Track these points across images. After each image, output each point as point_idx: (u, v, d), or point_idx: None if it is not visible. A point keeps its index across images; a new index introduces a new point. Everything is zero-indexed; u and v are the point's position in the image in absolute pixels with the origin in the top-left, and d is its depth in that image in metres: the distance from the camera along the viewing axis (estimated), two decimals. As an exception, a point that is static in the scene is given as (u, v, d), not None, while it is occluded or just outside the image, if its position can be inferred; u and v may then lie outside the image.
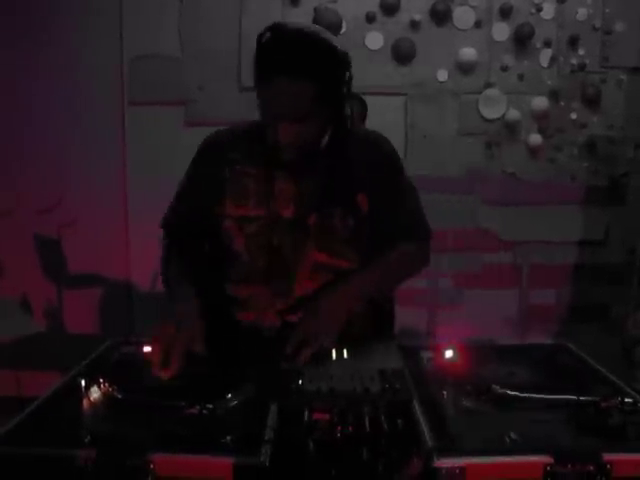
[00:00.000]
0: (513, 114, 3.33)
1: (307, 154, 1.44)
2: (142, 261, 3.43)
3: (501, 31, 3.29)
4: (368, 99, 3.00)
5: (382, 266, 1.56)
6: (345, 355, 1.33)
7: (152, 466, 0.96)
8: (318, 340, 1.35)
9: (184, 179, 1.65)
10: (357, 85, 3.27)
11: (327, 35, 1.40)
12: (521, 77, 3.32)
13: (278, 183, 1.50)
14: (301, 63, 1.32)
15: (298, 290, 1.54)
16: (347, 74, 1.42)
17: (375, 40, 3.28)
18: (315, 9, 3.23)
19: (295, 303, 1.53)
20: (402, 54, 3.28)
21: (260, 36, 1.40)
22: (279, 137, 1.38)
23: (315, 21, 3.23)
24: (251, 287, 1.55)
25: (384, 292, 1.66)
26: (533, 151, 3.39)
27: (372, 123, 2.80)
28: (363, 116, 2.91)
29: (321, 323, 1.41)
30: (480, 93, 3.32)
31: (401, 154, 1.66)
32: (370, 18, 3.25)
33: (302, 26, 1.40)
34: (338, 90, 1.40)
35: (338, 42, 1.41)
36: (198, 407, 1.08)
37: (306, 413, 1.09)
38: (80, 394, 1.16)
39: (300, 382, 1.18)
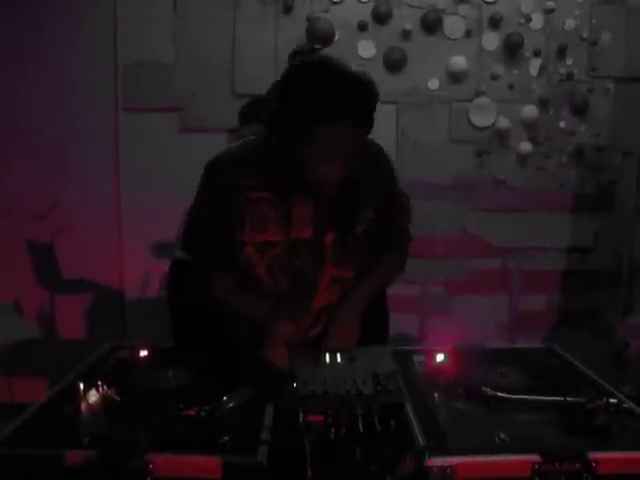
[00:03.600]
0: (503, 122, 3.37)
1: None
2: (135, 267, 3.44)
3: (491, 41, 3.34)
4: (360, 107, 3.03)
5: (377, 279, 1.65)
6: (339, 359, 1.35)
7: (151, 467, 0.98)
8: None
9: (198, 205, 1.63)
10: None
11: (365, 73, 1.41)
12: (511, 86, 3.36)
13: (297, 207, 1.51)
14: (364, 109, 1.34)
15: (317, 303, 1.59)
16: None
17: (367, 48, 3.31)
18: (308, 18, 3.26)
19: (314, 318, 1.59)
20: (393, 62, 3.32)
21: (310, 71, 1.37)
22: (328, 176, 1.39)
23: (308, 30, 3.27)
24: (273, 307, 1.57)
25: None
26: (523, 159, 3.44)
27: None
28: None
29: (346, 337, 1.50)
30: (470, 101, 3.36)
31: (392, 161, 1.70)
32: (362, 27, 3.29)
33: (345, 67, 1.39)
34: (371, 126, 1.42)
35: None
36: (196, 409, 1.10)
37: (301, 415, 1.11)
38: (79, 397, 1.17)
39: (295, 385, 1.20)
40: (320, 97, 1.32)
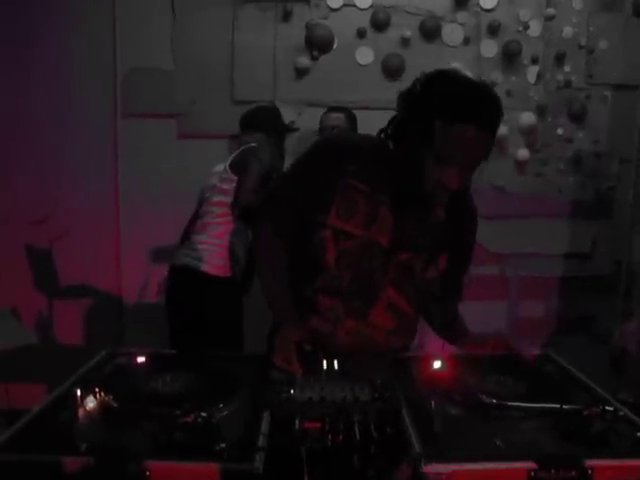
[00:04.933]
0: (501, 129, 3.36)
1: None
2: (133, 273, 3.44)
3: (489, 48, 3.35)
4: (358, 113, 3.04)
5: None
6: (336, 365, 1.35)
7: (148, 473, 0.98)
8: None
9: (293, 175, 1.62)
10: (347, 100, 3.33)
11: None
12: (509, 93, 3.38)
13: (382, 209, 1.50)
14: (499, 118, 1.38)
15: (372, 316, 1.56)
16: None
17: (365, 55, 3.33)
18: (307, 25, 3.28)
19: (363, 328, 1.56)
20: (392, 69, 3.33)
21: (458, 73, 1.41)
22: (449, 182, 1.38)
23: (307, 37, 3.29)
24: (328, 299, 1.55)
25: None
26: (521, 165, 3.45)
27: (363, 137, 2.84)
28: (352, 130, 2.95)
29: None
30: (469, 108, 3.38)
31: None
32: (361, 34, 3.31)
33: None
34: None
35: None
36: (193, 415, 1.10)
37: (297, 422, 1.11)
38: (76, 403, 1.18)
39: (292, 391, 1.20)
40: (471, 95, 1.36)
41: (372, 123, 3.51)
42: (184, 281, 2.73)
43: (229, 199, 2.68)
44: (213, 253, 2.67)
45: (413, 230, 1.52)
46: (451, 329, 1.69)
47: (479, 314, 3.41)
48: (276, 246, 1.60)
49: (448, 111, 1.33)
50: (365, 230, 1.51)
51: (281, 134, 3.03)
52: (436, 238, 1.54)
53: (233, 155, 2.82)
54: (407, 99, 1.43)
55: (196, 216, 2.83)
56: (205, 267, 2.65)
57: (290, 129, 3.10)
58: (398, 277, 1.54)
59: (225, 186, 2.70)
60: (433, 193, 1.42)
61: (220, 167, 2.80)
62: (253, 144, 2.80)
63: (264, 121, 2.95)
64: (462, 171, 1.38)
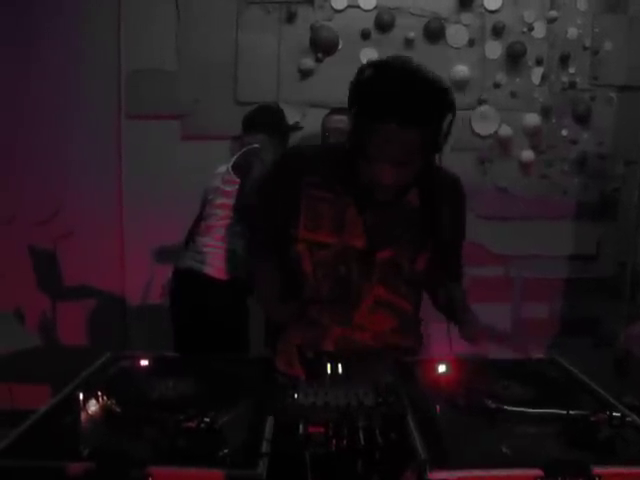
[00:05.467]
0: (505, 130, 3.37)
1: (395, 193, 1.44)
2: (137, 274, 3.44)
3: (494, 49, 3.34)
4: (362, 115, 3.04)
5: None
6: (340, 370, 1.35)
7: (151, 479, 0.98)
8: None
9: (261, 195, 1.68)
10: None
11: (440, 79, 1.36)
12: (513, 94, 3.36)
13: (349, 212, 1.49)
14: (419, 112, 1.30)
15: (357, 319, 1.55)
16: (450, 121, 1.36)
17: (370, 56, 3.31)
18: (311, 26, 3.27)
19: (352, 333, 1.55)
20: (396, 71, 3.32)
21: (371, 73, 1.35)
22: (379, 178, 1.36)
23: (311, 38, 3.28)
24: (314, 309, 1.55)
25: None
26: (525, 167, 3.44)
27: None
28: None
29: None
30: (473, 110, 3.37)
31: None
32: (365, 35, 3.30)
33: (415, 68, 1.34)
34: (440, 137, 1.37)
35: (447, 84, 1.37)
36: (196, 420, 1.09)
37: (301, 427, 1.10)
38: (78, 407, 1.17)
39: (295, 396, 1.19)
40: (373, 95, 1.32)
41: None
42: (188, 284, 2.72)
43: (232, 201, 2.67)
44: (216, 256, 2.66)
45: (387, 226, 1.51)
46: (454, 311, 1.63)
47: (483, 316, 3.40)
48: (267, 251, 1.62)
49: (366, 108, 1.31)
50: (337, 237, 1.50)
51: (284, 134, 3.01)
52: (417, 227, 1.52)
53: (236, 156, 2.81)
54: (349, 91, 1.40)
55: (200, 218, 2.82)
56: (208, 270, 2.65)
57: (293, 128, 3.08)
58: (386, 276, 1.53)
59: (228, 188, 2.70)
60: (372, 188, 1.40)
61: (223, 168, 2.79)
62: (256, 145, 2.78)
63: (267, 121, 2.93)
64: (392, 167, 1.35)
